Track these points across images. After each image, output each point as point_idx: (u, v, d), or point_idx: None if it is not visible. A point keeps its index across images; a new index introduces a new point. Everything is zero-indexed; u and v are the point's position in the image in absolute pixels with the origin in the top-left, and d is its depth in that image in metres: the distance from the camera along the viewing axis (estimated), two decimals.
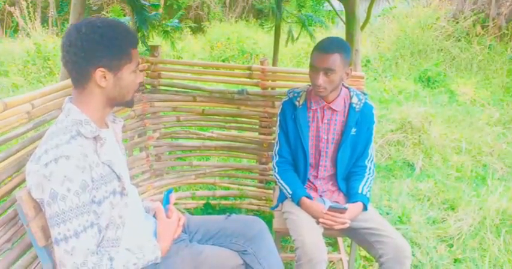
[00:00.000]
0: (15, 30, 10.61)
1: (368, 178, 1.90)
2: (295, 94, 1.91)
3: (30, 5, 8.82)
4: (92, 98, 1.22)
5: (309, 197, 1.83)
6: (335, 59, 1.67)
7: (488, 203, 2.88)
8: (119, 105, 1.31)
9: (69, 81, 1.68)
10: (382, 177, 3.63)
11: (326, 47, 1.71)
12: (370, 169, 1.93)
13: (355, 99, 1.85)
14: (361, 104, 1.85)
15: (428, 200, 3.15)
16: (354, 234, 1.81)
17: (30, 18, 8.51)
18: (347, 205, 1.76)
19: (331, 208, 1.72)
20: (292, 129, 1.90)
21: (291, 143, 1.93)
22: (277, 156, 1.98)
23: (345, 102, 1.87)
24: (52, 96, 1.64)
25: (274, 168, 1.98)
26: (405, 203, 3.03)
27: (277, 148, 1.99)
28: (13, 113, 1.40)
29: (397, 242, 1.65)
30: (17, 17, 8.99)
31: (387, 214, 2.87)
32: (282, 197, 1.96)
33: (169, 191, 1.49)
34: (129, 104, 1.32)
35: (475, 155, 4.10)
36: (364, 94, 1.91)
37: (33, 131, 1.57)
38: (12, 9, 9.25)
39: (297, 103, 1.89)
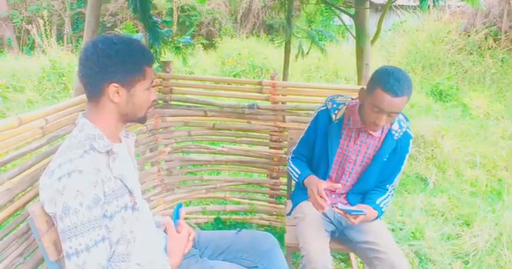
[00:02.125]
0: (32, 47, 10.89)
1: (388, 196, 1.87)
2: (335, 105, 1.82)
3: (46, 22, 9.06)
4: (105, 113, 1.24)
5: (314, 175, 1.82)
6: (403, 102, 1.56)
7: (504, 218, 2.83)
8: (132, 122, 1.33)
9: (82, 96, 1.72)
10: (395, 192, 3.56)
11: (397, 90, 1.53)
12: (390, 192, 1.89)
13: (395, 126, 1.76)
14: (401, 133, 1.76)
15: (442, 215, 3.09)
16: (356, 248, 1.80)
17: (46, 36, 8.72)
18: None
19: (347, 212, 1.65)
20: (320, 141, 1.85)
21: (315, 154, 1.89)
22: (292, 153, 1.98)
23: (383, 129, 1.77)
24: (66, 112, 1.67)
25: (289, 158, 1.97)
26: (419, 218, 2.98)
27: (295, 147, 1.97)
28: (27, 129, 1.43)
29: (393, 259, 1.61)
30: (33, 34, 9.23)
31: (400, 229, 2.83)
32: (296, 201, 1.94)
33: (179, 206, 1.49)
34: (142, 120, 1.33)
35: (490, 170, 4.03)
36: (406, 120, 1.81)
37: (47, 146, 1.59)
38: (29, 27, 9.51)
39: (333, 116, 1.81)
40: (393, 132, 1.76)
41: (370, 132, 1.75)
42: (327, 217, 1.88)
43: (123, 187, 1.24)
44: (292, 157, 1.98)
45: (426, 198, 3.37)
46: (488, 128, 5.20)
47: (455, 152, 4.23)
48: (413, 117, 5.37)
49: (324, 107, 1.86)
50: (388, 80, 1.54)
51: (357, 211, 1.65)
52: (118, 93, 1.21)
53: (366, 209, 1.70)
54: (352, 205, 1.88)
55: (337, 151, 1.84)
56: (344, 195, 1.93)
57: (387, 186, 1.88)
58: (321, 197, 1.68)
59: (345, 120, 1.80)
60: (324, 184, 1.72)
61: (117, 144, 1.30)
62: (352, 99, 1.86)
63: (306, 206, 1.88)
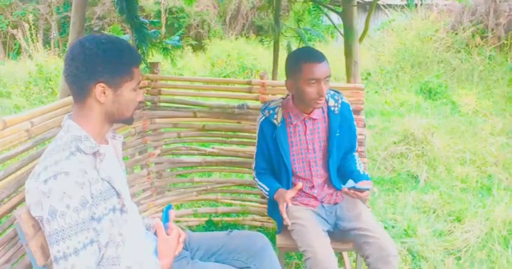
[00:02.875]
0: (18, 52, 10.76)
1: (357, 158, 1.97)
2: (271, 111, 1.87)
3: (32, 27, 8.96)
4: (91, 114, 1.22)
5: (283, 188, 1.86)
6: (329, 66, 1.70)
7: (495, 213, 2.84)
8: (118, 122, 1.31)
9: (68, 99, 1.70)
10: (387, 190, 3.59)
11: (319, 57, 1.70)
12: (357, 157, 2.00)
13: (331, 102, 1.85)
14: (339, 105, 1.85)
15: (434, 212, 3.10)
16: (347, 236, 1.83)
17: (32, 40, 8.63)
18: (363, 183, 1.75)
19: (353, 188, 1.71)
20: (273, 148, 1.88)
21: (274, 162, 1.92)
22: (255, 170, 2.01)
23: (322, 108, 1.85)
24: (51, 114, 1.64)
25: (254, 177, 2.01)
26: (411, 216, 2.99)
27: (254, 165, 2.00)
28: (12, 132, 1.40)
29: (381, 242, 1.66)
30: (19, 39, 9.13)
31: (393, 227, 2.83)
32: (278, 216, 1.90)
33: (168, 207, 1.47)
34: (129, 121, 1.31)
35: (480, 166, 4.06)
36: (338, 93, 1.91)
37: (33, 149, 1.56)
38: (14, 31, 9.40)
39: (275, 121, 1.85)
40: (332, 108, 1.84)
41: (316, 107, 1.79)
42: (319, 216, 1.88)
43: (110, 189, 1.22)
44: (256, 174, 2.00)
45: (418, 195, 3.37)
46: (477, 124, 5.25)
47: (445, 149, 4.25)
48: (403, 115, 5.40)
49: (263, 117, 1.89)
50: (305, 53, 1.76)
51: (362, 188, 1.70)
52: (104, 93, 1.19)
53: (367, 184, 1.73)
54: (338, 188, 1.91)
55: (291, 151, 1.87)
56: (326, 184, 1.94)
57: (353, 154, 1.98)
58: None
59: (287, 119, 1.85)
60: (289, 194, 1.77)
61: (104, 145, 1.28)
62: (283, 98, 1.93)
63: (295, 211, 1.85)
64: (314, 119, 1.85)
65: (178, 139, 2.69)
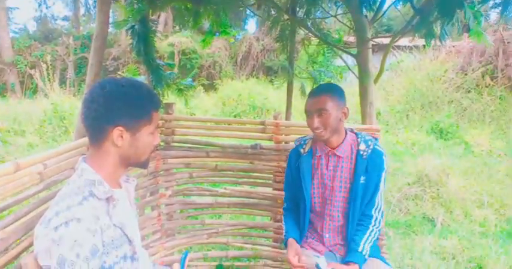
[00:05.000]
0: (34, 91, 11.05)
1: (372, 230, 1.81)
2: (302, 142, 1.91)
3: (49, 67, 9.24)
4: (107, 157, 1.19)
5: (295, 239, 1.84)
6: (325, 100, 1.70)
7: None
8: (134, 166, 1.28)
9: (82, 140, 1.69)
10: (402, 233, 3.47)
11: (315, 91, 1.78)
12: (376, 220, 1.82)
13: (362, 146, 1.78)
14: (369, 151, 1.77)
15: (453, 258, 2.97)
16: None
17: (49, 80, 8.87)
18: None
19: None
20: (295, 177, 1.89)
21: (296, 191, 1.91)
22: (284, 203, 2.04)
23: (351, 149, 1.80)
24: (66, 156, 1.62)
25: (284, 208, 2.05)
26: (429, 262, 2.86)
27: (285, 196, 2.05)
28: (25, 174, 1.37)
29: None
30: (36, 78, 9.39)
31: None
32: None
33: (186, 255, 1.42)
34: (144, 165, 1.28)
35: (498, 209, 3.94)
36: (375, 139, 1.84)
37: (45, 192, 1.53)
38: (32, 71, 9.70)
39: (302, 151, 1.88)
40: (361, 152, 1.78)
41: (319, 139, 1.78)
42: (330, 260, 1.80)
43: (122, 236, 1.17)
44: (284, 208, 2.04)
45: (435, 240, 3.25)
46: (492, 166, 5.15)
47: (461, 191, 4.15)
48: (415, 156, 5.33)
49: (294, 146, 1.96)
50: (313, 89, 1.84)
51: None
52: (122, 137, 1.17)
53: None
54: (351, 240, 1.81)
55: (312, 182, 1.84)
56: (340, 232, 1.85)
57: (372, 211, 1.82)
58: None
59: (313, 151, 1.86)
60: (299, 250, 1.77)
61: (118, 189, 1.25)
62: None
63: (305, 255, 1.80)
64: (339, 157, 1.80)
65: (190, 179, 2.64)
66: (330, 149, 1.80)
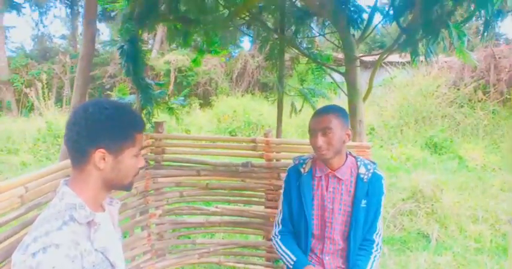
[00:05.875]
0: (30, 109, 11.05)
1: (376, 256, 1.80)
2: (301, 161, 1.87)
3: (45, 85, 9.26)
4: (88, 180, 1.18)
5: (313, 265, 1.77)
6: (330, 119, 1.70)
7: None
8: (117, 189, 1.27)
9: (66, 162, 1.67)
10: (397, 250, 3.44)
11: (321, 110, 1.78)
12: (377, 245, 1.82)
13: (362, 170, 1.78)
14: (370, 175, 1.77)
15: None
16: None
17: (44, 98, 8.88)
18: None
19: None
20: (295, 197, 1.84)
21: (294, 212, 1.85)
22: (280, 225, 1.90)
23: (351, 172, 1.79)
24: (48, 178, 1.60)
25: (275, 236, 1.89)
26: None
27: (280, 217, 1.91)
28: (4, 198, 1.35)
29: None
30: (31, 97, 9.40)
31: None
32: None
33: None
34: (127, 188, 1.27)
35: (493, 224, 3.92)
36: (373, 163, 1.84)
37: (27, 216, 1.51)
38: (27, 90, 9.72)
39: (302, 170, 1.84)
40: (361, 175, 1.77)
41: (321, 159, 1.76)
42: None
43: (104, 261, 1.15)
44: (281, 231, 1.89)
45: (430, 257, 3.22)
46: (486, 180, 5.15)
47: (455, 206, 4.13)
48: (409, 171, 5.33)
49: (292, 164, 1.91)
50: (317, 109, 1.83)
51: None
52: (104, 159, 1.16)
53: None
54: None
55: (313, 204, 1.81)
56: (341, 256, 1.83)
57: (373, 236, 1.82)
58: None
59: (313, 171, 1.83)
60: None
61: (100, 213, 1.23)
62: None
63: None
64: (339, 179, 1.78)
65: (181, 198, 2.63)
66: (330, 170, 1.79)
